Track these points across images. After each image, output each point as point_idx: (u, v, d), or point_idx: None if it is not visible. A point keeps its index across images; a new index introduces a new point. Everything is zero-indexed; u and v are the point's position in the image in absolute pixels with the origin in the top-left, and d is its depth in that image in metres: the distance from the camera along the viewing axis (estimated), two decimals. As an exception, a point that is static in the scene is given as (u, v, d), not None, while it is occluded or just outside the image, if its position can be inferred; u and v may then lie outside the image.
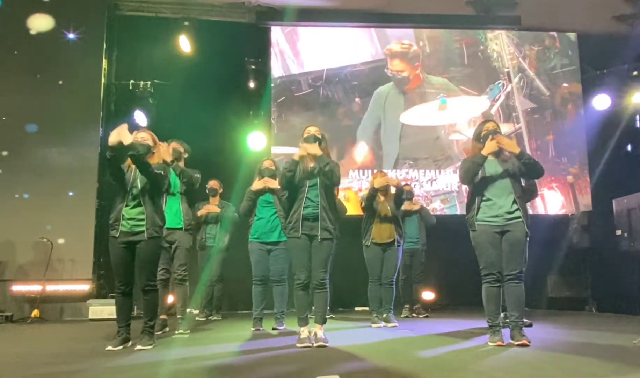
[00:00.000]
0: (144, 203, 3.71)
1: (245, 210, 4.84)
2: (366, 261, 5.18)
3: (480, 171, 3.71)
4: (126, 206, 3.70)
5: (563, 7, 7.40)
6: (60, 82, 6.89)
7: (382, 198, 5.19)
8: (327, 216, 3.75)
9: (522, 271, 3.62)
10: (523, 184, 3.84)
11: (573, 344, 3.72)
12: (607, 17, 7.61)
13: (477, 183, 3.74)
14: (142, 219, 3.69)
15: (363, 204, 5.28)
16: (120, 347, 3.61)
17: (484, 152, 3.69)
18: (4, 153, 6.66)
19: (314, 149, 3.77)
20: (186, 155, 4.97)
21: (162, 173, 3.77)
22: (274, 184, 4.71)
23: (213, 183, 6.19)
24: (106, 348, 3.54)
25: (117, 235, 3.67)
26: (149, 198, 3.74)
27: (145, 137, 3.85)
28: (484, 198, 3.69)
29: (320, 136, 3.90)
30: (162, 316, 4.69)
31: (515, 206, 3.64)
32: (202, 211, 6.03)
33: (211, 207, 6.10)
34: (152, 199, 3.76)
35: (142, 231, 3.68)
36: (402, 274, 6.01)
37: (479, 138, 3.80)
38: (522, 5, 7.57)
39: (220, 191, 6.19)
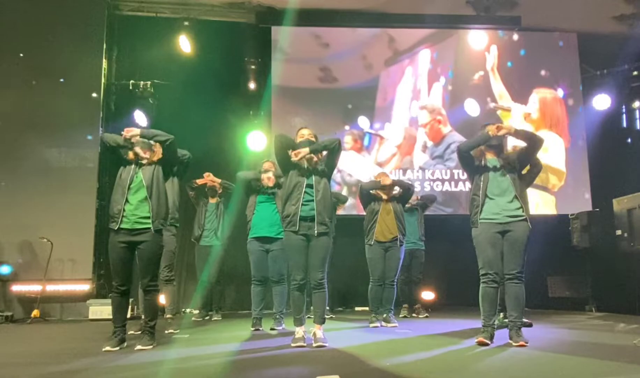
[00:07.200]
0: (150, 195, 3.65)
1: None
2: (368, 261, 5.16)
3: (481, 170, 3.72)
4: (127, 202, 3.63)
5: (563, 7, 7.38)
6: (61, 80, 6.89)
7: (385, 196, 5.19)
8: (324, 211, 3.75)
9: (522, 271, 3.61)
10: (524, 172, 3.83)
11: (573, 344, 3.72)
12: (607, 17, 7.61)
13: (478, 181, 3.74)
14: (147, 217, 3.64)
15: (360, 193, 5.28)
16: (118, 348, 3.58)
17: (489, 131, 3.65)
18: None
19: (303, 152, 3.74)
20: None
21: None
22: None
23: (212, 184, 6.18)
24: (104, 349, 3.52)
25: (116, 228, 3.60)
26: (156, 190, 3.69)
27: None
28: (485, 197, 3.69)
29: (313, 139, 3.91)
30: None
31: (516, 204, 3.64)
32: (201, 180, 5.91)
33: (211, 177, 5.96)
34: (159, 191, 3.71)
35: (147, 229, 3.63)
36: (402, 274, 6.00)
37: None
38: (522, 5, 7.56)
39: (220, 191, 6.18)
